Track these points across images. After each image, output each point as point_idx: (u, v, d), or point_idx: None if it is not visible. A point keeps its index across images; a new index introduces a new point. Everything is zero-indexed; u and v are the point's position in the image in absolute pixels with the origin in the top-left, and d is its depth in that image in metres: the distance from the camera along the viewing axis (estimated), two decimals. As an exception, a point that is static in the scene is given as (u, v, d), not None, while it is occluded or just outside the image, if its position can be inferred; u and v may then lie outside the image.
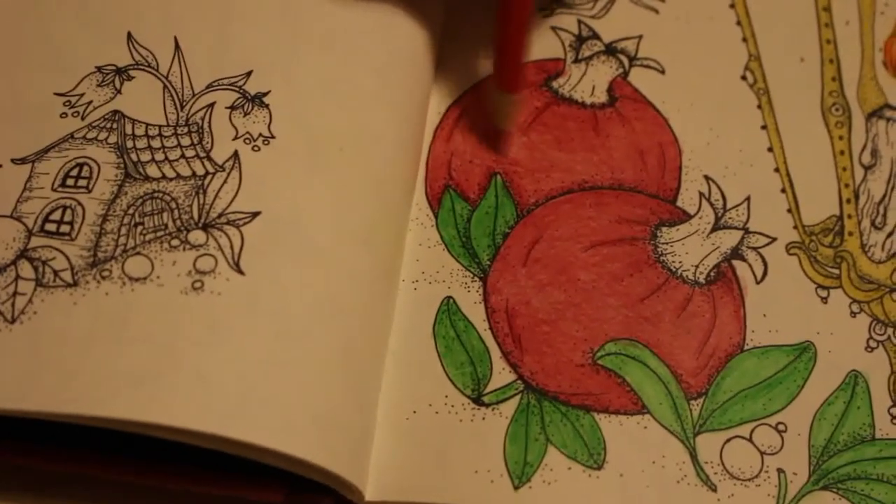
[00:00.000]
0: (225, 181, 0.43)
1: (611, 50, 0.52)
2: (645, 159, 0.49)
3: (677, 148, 0.50)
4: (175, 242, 0.41)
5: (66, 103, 0.44)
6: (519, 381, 0.44)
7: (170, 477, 0.41)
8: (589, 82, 0.51)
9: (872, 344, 0.46)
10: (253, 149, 0.43)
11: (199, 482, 0.41)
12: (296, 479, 0.40)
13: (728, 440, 0.44)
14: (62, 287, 0.40)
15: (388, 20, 0.48)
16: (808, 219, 0.49)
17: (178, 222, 0.42)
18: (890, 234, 0.49)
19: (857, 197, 0.49)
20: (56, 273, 0.40)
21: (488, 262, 0.47)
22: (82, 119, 0.44)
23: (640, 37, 0.52)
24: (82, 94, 0.44)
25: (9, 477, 0.43)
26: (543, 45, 0.52)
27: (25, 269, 0.40)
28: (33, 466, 0.42)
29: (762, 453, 0.44)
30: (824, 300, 0.47)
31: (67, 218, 0.42)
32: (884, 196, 0.50)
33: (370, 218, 0.44)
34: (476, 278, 0.46)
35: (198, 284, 0.40)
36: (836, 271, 0.48)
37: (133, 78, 0.45)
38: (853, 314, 0.47)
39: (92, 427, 0.38)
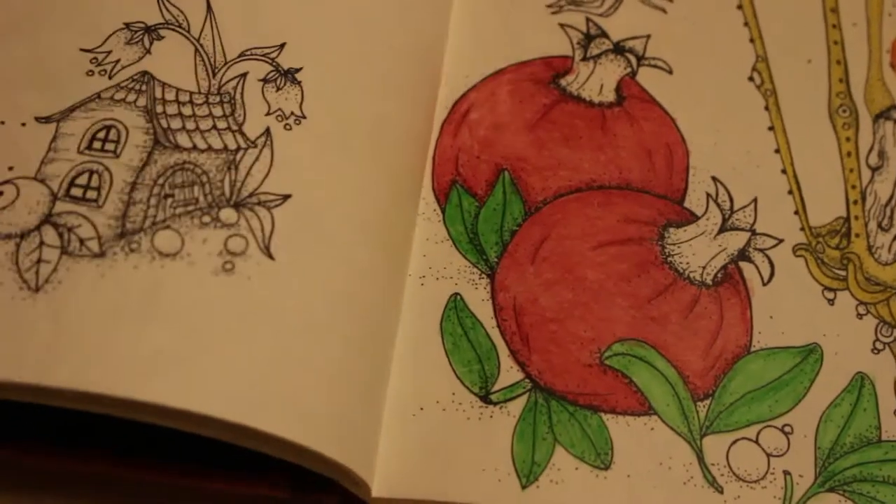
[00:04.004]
0: (257, 158, 0.42)
1: (619, 49, 0.52)
2: (653, 159, 0.49)
3: (685, 148, 0.50)
4: (206, 219, 0.40)
5: (93, 60, 0.43)
6: (527, 380, 0.44)
7: (175, 473, 0.41)
8: (597, 81, 0.51)
9: (879, 346, 0.47)
10: (285, 127, 0.43)
11: (205, 478, 0.41)
12: (298, 474, 0.40)
13: (734, 442, 0.44)
14: (88, 257, 0.39)
15: (412, 7, 0.47)
16: (815, 220, 0.49)
17: (210, 198, 0.41)
18: (896, 237, 0.49)
19: (863, 198, 0.50)
20: (82, 241, 0.39)
21: (496, 260, 0.47)
22: (109, 78, 0.42)
23: (649, 36, 0.52)
24: (110, 52, 0.43)
25: (9, 475, 0.42)
26: (551, 42, 0.52)
27: (50, 235, 0.39)
28: (36, 464, 0.41)
29: (768, 455, 0.44)
30: (831, 302, 0.47)
31: (94, 183, 0.40)
32: (891, 198, 0.50)
33: (386, 211, 0.44)
34: (484, 275, 0.46)
35: (228, 266, 0.39)
36: (843, 273, 0.48)
37: (163, 38, 0.44)
38: (860, 316, 0.47)
39: (95, 423, 0.38)
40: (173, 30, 0.44)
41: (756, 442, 0.44)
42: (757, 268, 0.47)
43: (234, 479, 0.41)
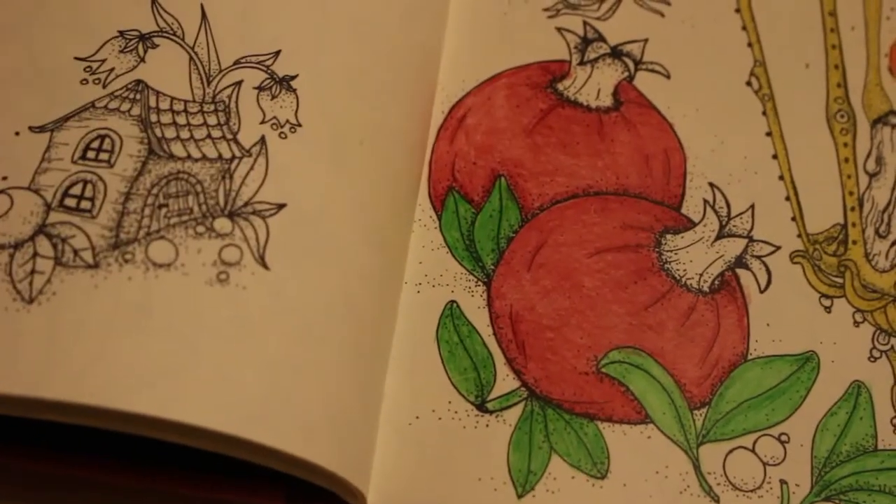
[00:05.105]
0: (252, 168, 0.41)
1: (616, 53, 0.51)
2: (650, 165, 0.49)
3: (682, 154, 0.50)
4: (200, 229, 0.40)
5: (87, 69, 0.42)
6: (523, 388, 0.44)
7: (169, 481, 0.41)
8: (594, 85, 0.51)
9: (875, 354, 0.47)
10: (280, 135, 0.42)
11: (199, 486, 0.41)
12: (293, 483, 0.40)
13: (731, 451, 0.44)
14: (83, 267, 0.38)
15: (409, 12, 0.47)
16: (813, 227, 0.49)
17: (204, 207, 0.40)
18: (894, 243, 0.49)
19: (861, 205, 0.49)
20: (76, 252, 0.39)
21: (492, 267, 0.47)
22: (104, 87, 0.42)
23: (646, 40, 0.52)
24: (104, 60, 0.43)
25: (8, 478, 0.42)
26: (548, 45, 0.52)
27: (44, 245, 0.39)
28: (31, 470, 0.41)
29: (765, 464, 0.44)
30: (828, 309, 0.47)
31: (88, 193, 0.40)
32: (888, 204, 0.50)
33: (382, 218, 0.44)
34: (480, 282, 0.46)
35: (223, 276, 0.39)
36: (840, 280, 0.48)
37: (157, 46, 0.43)
38: (856, 324, 0.47)
39: (91, 429, 0.38)
40: (168, 38, 0.43)
41: (752, 451, 0.44)
42: (754, 275, 0.47)
43: (228, 487, 0.41)
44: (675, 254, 0.47)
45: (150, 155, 0.41)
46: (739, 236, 0.48)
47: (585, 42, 0.52)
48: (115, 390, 0.36)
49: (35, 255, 0.39)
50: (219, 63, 0.43)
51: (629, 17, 0.52)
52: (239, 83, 0.43)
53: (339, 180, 0.43)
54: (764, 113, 0.51)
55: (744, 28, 0.53)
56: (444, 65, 0.50)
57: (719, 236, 0.48)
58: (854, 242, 0.49)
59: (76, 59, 0.43)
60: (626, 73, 0.51)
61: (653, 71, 0.51)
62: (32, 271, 0.38)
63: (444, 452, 0.43)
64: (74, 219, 0.39)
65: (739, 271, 0.47)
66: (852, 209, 0.49)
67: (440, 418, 0.44)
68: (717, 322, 0.46)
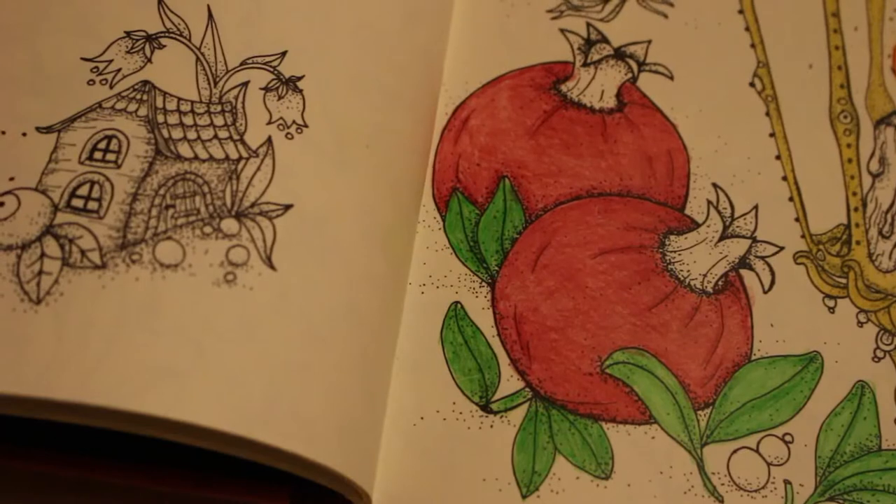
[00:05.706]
0: (258, 168, 0.41)
1: (620, 54, 0.52)
2: (653, 166, 0.49)
3: (685, 155, 0.50)
4: (207, 230, 0.40)
5: (94, 69, 0.42)
6: (527, 389, 0.44)
7: (174, 481, 0.41)
8: (598, 86, 0.51)
9: (879, 354, 0.47)
10: (286, 136, 0.42)
11: (204, 487, 0.41)
12: (298, 483, 0.40)
13: (735, 451, 0.44)
14: (90, 268, 0.38)
15: (413, 13, 0.47)
16: (816, 227, 0.49)
17: (211, 208, 0.40)
18: (897, 244, 0.49)
19: (864, 205, 0.49)
20: (84, 253, 0.39)
21: (496, 268, 0.47)
22: (110, 88, 0.42)
23: (649, 42, 0.52)
24: (111, 61, 0.43)
25: (8, 481, 0.42)
26: (552, 47, 0.52)
27: (51, 246, 0.39)
28: (31, 470, 0.41)
29: (769, 464, 0.44)
30: (831, 310, 0.47)
31: (95, 194, 0.40)
32: (891, 204, 0.50)
33: (387, 219, 0.44)
34: (484, 283, 0.46)
35: (230, 277, 0.39)
36: (844, 280, 0.48)
37: (164, 47, 0.43)
38: (860, 324, 0.47)
39: (93, 429, 0.38)
40: (174, 38, 0.43)
41: (756, 451, 0.44)
42: (758, 275, 0.47)
43: (232, 487, 0.41)
44: (679, 254, 0.47)
45: (157, 155, 0.41)
46: (743, 237, 0.48)
47: (589, 43, 0.52)
48: (122, 391, 0.36)
49: (42, 255, 0.39)
50: (225, 63, 0.43)
51: (632, 19, 0.53)
52: (245, 84, 0.43)
53: (345, 181, 0.43)
54: (767, 114, 0.51)
55: (747, 29, 0.53)
56: (447, 66, 0.50)
57: (723, 237, 0.48)
58: (857, 243, 0.49)
59: (83, 59, 0.43)
60: (630, 75, 0.51)
61: (656, 72, 0.51)
62: (40, 272, 0.38)
63: (448, 453, 0.43)
64: (82, 219, 0.39)
65: (743, 272, 0.47)
66: (856, 210, 0.49)
67: (445, 419, 0.44)
68: (720, 322, 0.46)
